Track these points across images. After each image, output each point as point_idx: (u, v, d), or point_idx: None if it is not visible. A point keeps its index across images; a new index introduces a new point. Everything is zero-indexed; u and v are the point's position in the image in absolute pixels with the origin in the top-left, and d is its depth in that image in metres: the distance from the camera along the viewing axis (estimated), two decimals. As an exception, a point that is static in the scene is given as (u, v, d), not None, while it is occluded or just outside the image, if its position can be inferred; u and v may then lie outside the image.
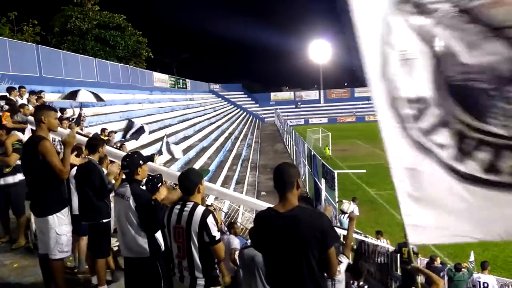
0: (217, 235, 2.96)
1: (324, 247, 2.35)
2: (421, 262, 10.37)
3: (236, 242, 5.51)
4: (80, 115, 10.74)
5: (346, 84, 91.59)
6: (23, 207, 5.62)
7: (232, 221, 8.83)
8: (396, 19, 1.74)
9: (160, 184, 3.99)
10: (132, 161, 3.69)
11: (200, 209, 2.97)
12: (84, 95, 11.29)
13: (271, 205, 2.63)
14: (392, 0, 1.73)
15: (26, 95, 9.82)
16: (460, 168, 1.73)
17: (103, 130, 10.58)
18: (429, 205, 1.88)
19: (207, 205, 7.11)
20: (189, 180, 3.09)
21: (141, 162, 3.71)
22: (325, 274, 2.48)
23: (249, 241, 4.93)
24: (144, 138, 12.85)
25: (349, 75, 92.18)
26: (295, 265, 2.35)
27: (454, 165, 1.74)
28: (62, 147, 4.04)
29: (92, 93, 11.68)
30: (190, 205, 3.00)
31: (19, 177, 5.51)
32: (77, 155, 5.20)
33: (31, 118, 6.07)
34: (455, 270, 9.49)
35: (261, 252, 2.62)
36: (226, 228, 7.65)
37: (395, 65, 1.78)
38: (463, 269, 9.50)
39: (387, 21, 1.73)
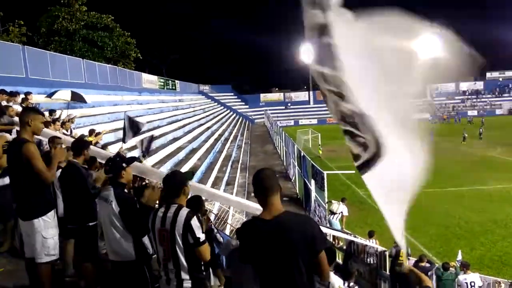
0: (202, 236, 2.94)
1: (313, 252, 2.30)
2: (409, 262, 10.45)
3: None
4: (63, 116, 10.62)
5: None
6: (12, 211, 5.51)
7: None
8: None
9: (123, 163, 3.73)
10: (115, 165, 3.64)
11: (184, 211, 2.96)
12: (61, 94, 11.17)
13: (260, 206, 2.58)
14: None
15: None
16: None
17: (91, 131, 10.47)
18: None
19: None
20: (175, 183, 3.07)
21: (124, 165, 3.66)
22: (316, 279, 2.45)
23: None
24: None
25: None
26: (286, 273, 2.31)
27: None
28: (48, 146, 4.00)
29: (74, 93, 11.50)
30: (174, 207, 2.99)
31: (8, 180, 5.41)
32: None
33: (17, 119, 6.00)
34: (443, 269, 9.59)
35: (251, 263, 2.52)
36: (216, 230, 7.60)
37: None
38: (451, 268, 9.61)
39: None
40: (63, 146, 4.60)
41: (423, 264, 9.92)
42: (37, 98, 13.97)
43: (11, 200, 5.43)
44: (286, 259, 2.30)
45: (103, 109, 19.92)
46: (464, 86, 75.19)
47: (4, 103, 9.17)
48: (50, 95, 11.40)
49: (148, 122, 22.85)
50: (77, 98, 11.62)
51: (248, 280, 4.21)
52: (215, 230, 7.54)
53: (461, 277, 9.20)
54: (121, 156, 3.83)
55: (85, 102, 12.34)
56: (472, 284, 9.04)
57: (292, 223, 2.34)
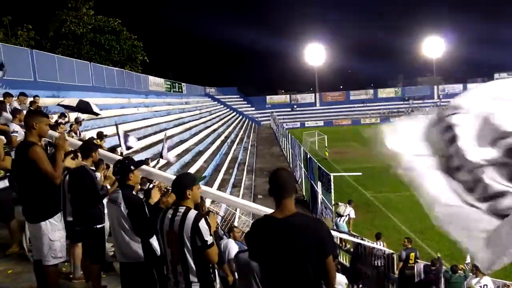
0: (210, 239, 2.95)
1: (322, 256, 2.30)
2: (417, 266, 10.40)
3: (234, 248, 5.46)
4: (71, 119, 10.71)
5: (341, 87, 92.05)
6: (12, 212, 5.58)
7: (232, 225, 8.78)
8: None
9: (132, 166, 3.77)
10: (123, 166, 3.67)
11: (192, 214, 2.96)
12: (70, 100, 11.33)
13: (268, 208, 2.60)
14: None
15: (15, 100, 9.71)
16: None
17: (99, 134, 10.52)
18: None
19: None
20: (179, 185, 3.09)
21: (132, 167, 3.69)
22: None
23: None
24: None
25: (344, 78, 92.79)
26: (292, 273, 2.31)
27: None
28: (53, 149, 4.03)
29: (81, 101, 11.55)
30: (182, 209, 2.99)
31: (7, 182, 5.49)
32: (73, 158, 5.14)
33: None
34: (451, 272, 9.51)
35: (258, 261, 2.55)
36: (222, 232, 7.63)
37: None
38: (459, 271, 9.52)
39: None
40: (66, 138, 4.59)
41: (434, 268, 9.85)
42: (45, 101, 14.11)
43: (10, 201, 5.53)
44: (293, 259, 2.30)
45: (110, 112, 20.04)
46: (472, 87, 74.64)
47: (15, 104, 9.26)
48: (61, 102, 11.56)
49: (154, 124, 23.00)
50: (82, 106, 11.43)
51: (254, 284, 4.20)
52: (222, 232, 7.55)
53: (474, 280, 9.10)
54: (130, 159, 3.86)
55: (93, 113, 11.99)
56: (485, 287, 8.98)
57: (303, 224, 2.35)
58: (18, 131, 6.29)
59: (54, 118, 10.23)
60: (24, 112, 7.49)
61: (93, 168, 4.83)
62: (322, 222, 2.53)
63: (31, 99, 10.84)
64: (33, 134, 3.77)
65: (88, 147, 4.72)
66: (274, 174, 2.49)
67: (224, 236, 6.74)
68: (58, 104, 11.31)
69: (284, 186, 2.43)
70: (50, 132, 4.64)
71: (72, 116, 11.78)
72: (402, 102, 74.01)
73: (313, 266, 2.29)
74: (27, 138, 3.80)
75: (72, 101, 11.49)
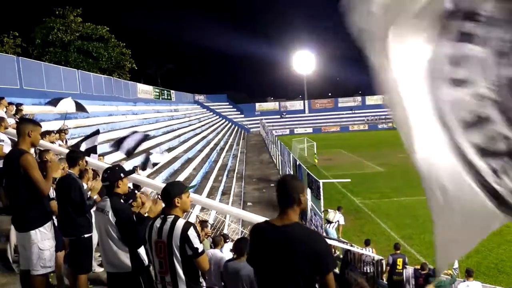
0: (200, 247, 2.93)
1: (319, 271, 2.22)
2: (406, 271, 10.45)
3: (224, 258, 5.44)
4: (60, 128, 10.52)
5: (330, 94, 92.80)
6: None
7: (217, 235, 8.74)
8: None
9: (121, 174, 3.74)
10: (113, 174, 3.66)
11: (181, 222, 2.95)
12: (65, 104, 11.12)
13: (258, 216, 2.58)
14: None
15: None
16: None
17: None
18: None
19: (200, 221, 7.06)
20: (167, 193, 3.07)
21: (122, 175, 3.67)
22: None
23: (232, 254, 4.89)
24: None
25: (333, 86, 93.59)
26: (282, 282, 2.28)
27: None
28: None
29: (76, 102, 11.44)
30: (170, 218, 2.97)
31: None
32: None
33: (12, 131, 5.98)
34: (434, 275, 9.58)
35: (253, 265, 2.53)
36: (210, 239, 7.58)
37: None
38: (446, 276, 9.58)
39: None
40: (56, 158, 4.59)
41: (425, 272, 9.92)
42: (32, 108, 13.94)
43: None
44: (284, 270, 2.27)
45: (98, 120, 19.88)
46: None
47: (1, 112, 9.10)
48: (52, 103, 11.22)
49: (143, 132, 22.85)
50: (79, 108, 11.41)
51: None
52: (211, 240, 7.50)
53: (463, 285, 9.15)
54: (120, 167, 3.85)
55: (86, 111, 12.22)
56: None
57: (299, 235, 2.29)
58: (4, 140, 6.19)
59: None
60: (8, 120, 7.41)
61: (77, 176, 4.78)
62: (319, 236, 2.49)
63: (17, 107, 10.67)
64: (26, 142, 3.76)
65: (75, 155, 4.67)
66: (282, 181, 2.44)
67: (211, 246, 6.71)
68: (55, 106, 11.05)
69: (289, 195, 2.36)
70: (43, 142, 4.62)
71: (60, 123, 11.60)
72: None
73: (305, 280, 2.23)
74: (19, 145, 3.79)
75: (68, 104, 11.21)
